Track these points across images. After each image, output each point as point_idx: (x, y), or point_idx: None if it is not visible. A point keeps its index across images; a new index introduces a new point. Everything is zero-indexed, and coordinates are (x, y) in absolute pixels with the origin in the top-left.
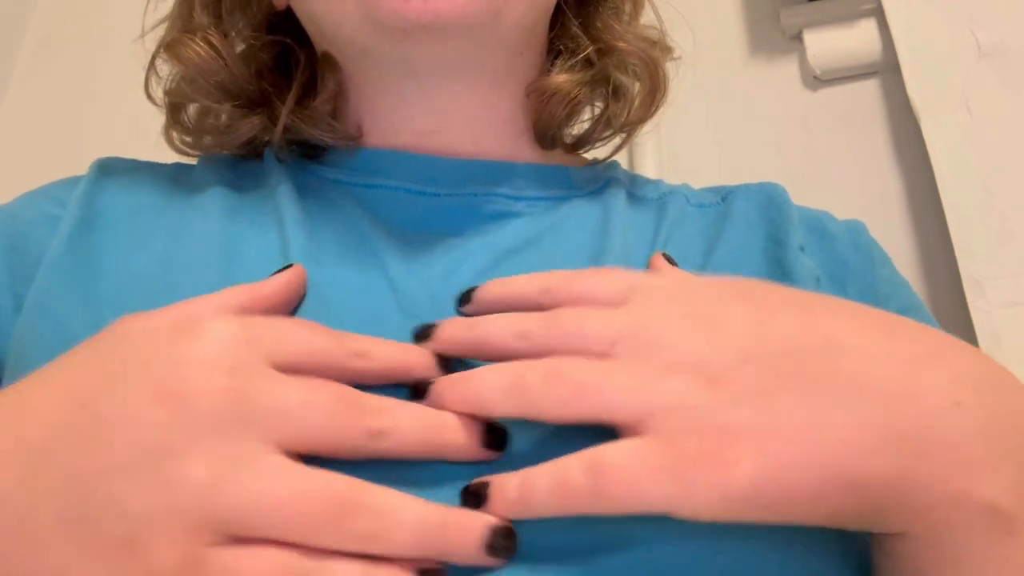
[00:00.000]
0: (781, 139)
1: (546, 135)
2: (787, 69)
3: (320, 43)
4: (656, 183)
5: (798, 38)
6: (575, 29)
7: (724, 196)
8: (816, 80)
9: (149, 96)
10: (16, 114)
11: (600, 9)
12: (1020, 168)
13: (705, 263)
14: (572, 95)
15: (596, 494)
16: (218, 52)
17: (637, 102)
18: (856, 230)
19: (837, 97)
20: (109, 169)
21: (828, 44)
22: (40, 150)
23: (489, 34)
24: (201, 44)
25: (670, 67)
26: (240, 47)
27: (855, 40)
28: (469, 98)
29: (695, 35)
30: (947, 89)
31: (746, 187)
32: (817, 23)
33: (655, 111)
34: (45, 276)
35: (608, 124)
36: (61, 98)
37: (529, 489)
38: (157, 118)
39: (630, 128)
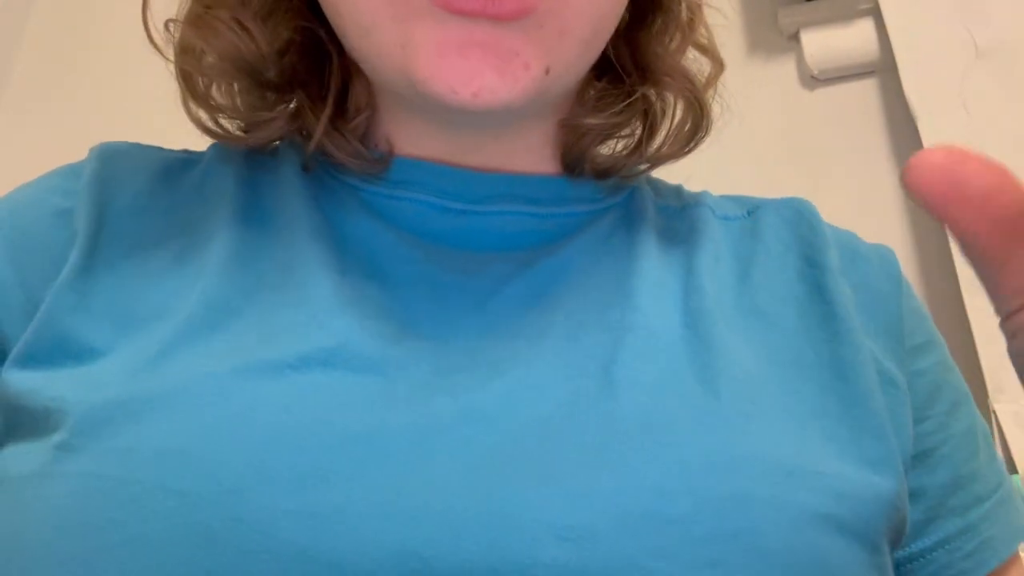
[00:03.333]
0: (778, 138)
1: (574, 165)
2: (785, 69)
3: (351, 56)
4: (678, 190)
5: (795, 38)
6: (624, 59)
7: (750, 210)
8: (814, 79)
9: (151, 39)
10: (14, 111)
11: (652, 31)
12: (1018, 166)
13: (741, 288)
14: (608, 133)
15: None
16: (249, 33)
17: (674, 139)
18: (886, 257)
19: (834, 96)
20: (113, 157)
21: (825, 44)
22: (39, 145)
23: (538, 105)
24: (232, 23)
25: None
26: (266, 29)
27: (852, 40)
28: (501, 135)
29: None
30: (944, 88)
31: (773, 202)
32: (815, 23)
33: (692, 148)
34: (63, 289)
35: (640, 156)
36: (60, 93)
37: None
38: (157, 111)
39: (659, 161)
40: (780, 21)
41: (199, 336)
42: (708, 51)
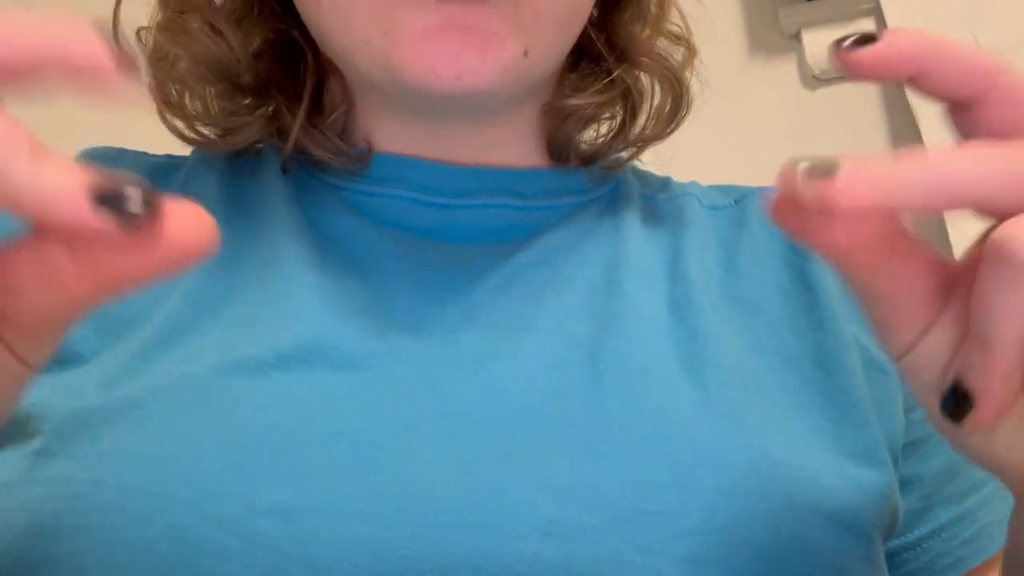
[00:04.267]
0: (779, 138)
1: (560, 153)
2: (786, 68)
3: (327, 53)
4: (665, 181)
5: (797, 38)
6: (598, 43)
7: (737, 199)
8: (815, 79)
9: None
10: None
11: (624, 17)
12: None
13: (727, 277)
14: (590, 114)
15: None
16: (223, 37)
17: (655, 119)
18: None
19: (836, 97)
20: (99, 164)
21: (827, 43)
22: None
23: (518, 90)
24: (205, 27)
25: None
26: (240, 33)
27: None
28: (484, 124)
29: (694, 35)
30: None
31: (761, 191)
32: (816, 23)
33: (674, 128)
34: None
35: (625, 139)
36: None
37: None
38: (152, 115)
39: (644, 144)
40: (781, 21)
41: (178, 335)
42: (681, 39)
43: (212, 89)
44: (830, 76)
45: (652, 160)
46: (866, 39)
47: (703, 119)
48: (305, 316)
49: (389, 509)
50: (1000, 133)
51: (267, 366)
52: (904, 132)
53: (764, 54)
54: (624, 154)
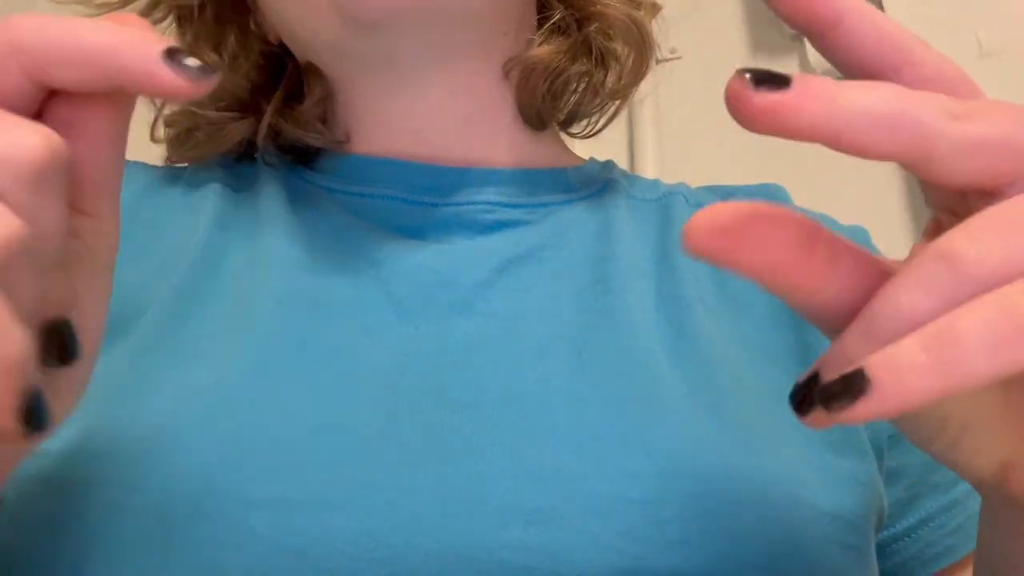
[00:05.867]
0: (781, 138)
1: (531, 113)
2: (788, 68)
3: (303, 55)
4: (654, 183)
5: (799, 37)
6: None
7: (723, 198)
8: None
9: (153, 138)
10: None
11: None
12: None
13: (713, 274)
14: (552, 66)
15: None
16: (222, 73)
17: (626, 67)
18: (859, 237)
19: None
20: None
21: None
22: None
23: (465, 11)
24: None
25: (661, 28)
26: (239, 70)
27: None
28: (452, 87)
29: (696, 34)
30: None
31: (746, 189)
32: None
33: (645, 73)
34: None
35: (596, 92)
36: None
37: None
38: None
39: (622, 94)
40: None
41: (167, 331)
42: (641, 4)
43: (206, 110)
44: (832, 76)
45: (654, 160)
46: None
47: (705, 119)
48: (291, 313)
49: (375, 500)
50: None
51: (255, 362)
52: None
53: (766, 54)
54: (611, 108)
